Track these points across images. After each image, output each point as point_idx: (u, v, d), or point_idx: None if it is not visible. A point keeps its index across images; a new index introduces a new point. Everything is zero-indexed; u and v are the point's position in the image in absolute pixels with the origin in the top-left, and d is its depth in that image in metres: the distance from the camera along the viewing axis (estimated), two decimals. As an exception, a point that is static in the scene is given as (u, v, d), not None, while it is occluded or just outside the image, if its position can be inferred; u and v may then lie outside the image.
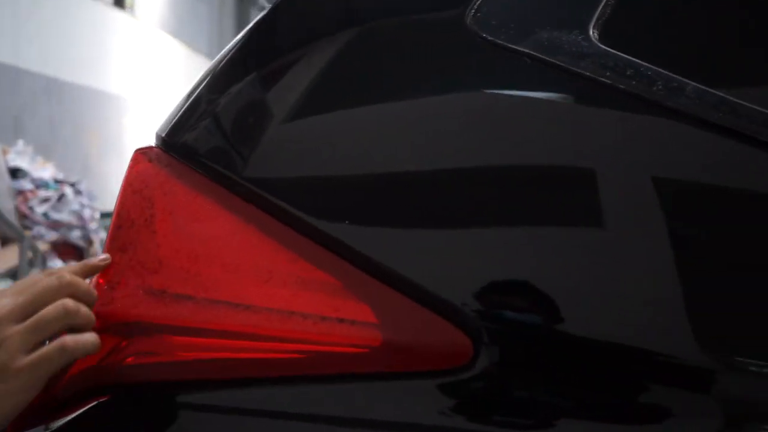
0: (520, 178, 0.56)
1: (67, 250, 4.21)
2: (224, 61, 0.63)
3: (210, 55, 7.56)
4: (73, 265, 0.59)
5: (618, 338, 0.52)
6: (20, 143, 4.49)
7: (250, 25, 0.65)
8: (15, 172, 4.19)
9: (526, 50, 0.57)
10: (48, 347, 0.54)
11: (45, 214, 4.11)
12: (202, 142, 0.60)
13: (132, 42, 5.69)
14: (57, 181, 4.24)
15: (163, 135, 0.63)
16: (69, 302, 0.55)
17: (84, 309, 0.55)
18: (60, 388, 0.57)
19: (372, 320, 0.54)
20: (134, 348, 0.57)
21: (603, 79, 0.56)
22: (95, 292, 0.57)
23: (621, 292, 0.52)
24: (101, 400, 0.57)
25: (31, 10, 4.63)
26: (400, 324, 0.54)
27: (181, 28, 6.78)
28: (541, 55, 0.57)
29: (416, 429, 0.52)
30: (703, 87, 0.55)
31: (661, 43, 0.58)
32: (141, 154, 0.63)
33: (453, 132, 0.56)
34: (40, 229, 4.10)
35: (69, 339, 0.54)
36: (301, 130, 0.58)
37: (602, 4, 0.58)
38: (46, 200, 4.23)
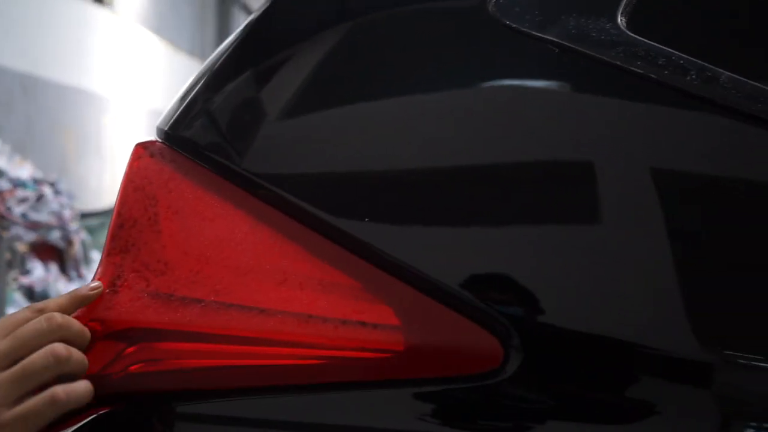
0: (549, 173, 0.53)
1: (47, 251, 4.11)
2: (236, 43, 0.59)
3: (192, 53, 7.45)
4: (61, 298, 0.54)
5: (652, 341, 0.49)
6: (-4, 142, 4.39)
7: (266, 5, 0.61)
8: (-9, 172, 4.08)
9: (553, 38, 0.54)
10: (36, 399, 0.49)
11: (23, 215, 4.02)
12: (211, 136, 0.57)
13: (112, 39, 5.59)
14: (35, 181, 4.14)
15: (166, 128, 0.59)
16: (60, 348, 0.50)
17: (76, 354, 0.50)
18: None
19: (395, 323, 0.51)
20: (138, 356, 0.53)
21: (634, 69, 0.53)
22: (88, 333, 0.52)
23: (661, 293, 0.49)
24: (102, 411, 0.54)
25: (7, 5, 4.52)
26: (425, 327, 0.50)
27: (163, 25, 6.67)
28: (568, 44, 0.54)
29: (443, 438, 0.49)
30: (738, 76, 0.52)
31: (692, 30, 0.56)
32: (142, 148, 0.59)
33: (479, 125, 0.53)
34: (19, 230, 4.00)
35: (60, 390, 0.49)
36: (320, 124, 0.55)
37: (630, -10, 0.55)
38: (24, 200, 4.13)
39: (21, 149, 4.65)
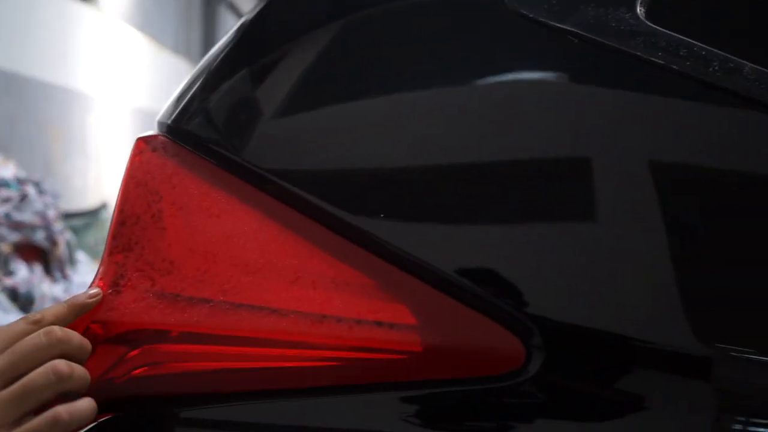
0: (567, 168, 0.51)
1: (31, 251, 4.05)
2: (245, 29, 0.57)
3: (177, 51, 7.37)
4: (58, 307, 0.51)
5: (675, 340, 0.48)
6: (-22, 141, 4.31)
7: None
8: (-27, 172, 4.01)
9: (571, 28, 0.53)
10: (38, 420, 0.46)
11: (7, 215, 3.95)
12: (217, 129, 0.54)
13: (97, 36, 5.51)
14: (19, 181, 4.08)
15: (169, 121, 0.57)
16: (60, 365, 0.47)
17: (78, 370, 0.48)
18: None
19: (412, 323, 0.49)
20: (143, 359, 0.51)
21: (655, 60, 0.52)
22: (89, 345, 0.50)
23: (689, 291, 0.48)
24: (104, 418, 0.51)
25: (-12, 2, 4.45)
26: (443, 327, 0.49)
27: (148, 23, 6.59)
28: (587, 34, 0.53)
29: (463, 441, 0.48)
30: (761, 68, 0.51)
31: (713, 20, 0.55)
32: (143, 143, 0.56)
33: (498, 118, 0.51)
34: (2, 231, 3.93)
35: (62, 410, 0.46)
36: (334, 116, 0.53)
37: (649, -21, 0.54)
38: (7, 200, 4.06)
39: (4, 148, 4.58)
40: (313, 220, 0.51)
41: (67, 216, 4.55)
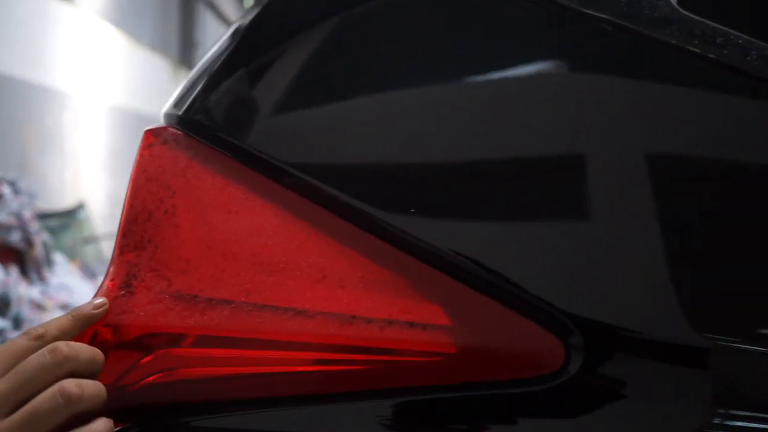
0: (603, 161, 0.49)
1: (6, 253, 3.94)
2: (265, 11, 0.53)
3: (154, 48, 7.26)
4: (62, 319, 0.47)
5: (715, 336, 0.46)
6: (-50, 140, 4.19)
7: None
8: (-55, 171, 3.90)
9: (604, 16, 0.51)
10: None
11: (-19, 215, 3.84)
12: (234, 120, 0.51)
13: (73, 33, 5.40)
14: (-6, 180, 3.97)
15: (180, 112, 0.53)
16: (69, 386, 0.43)
17: (89, 389, 0.44)
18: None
19: (446, 323, 0.47)
20: (158, 364, 0.48)
21: (691, 48, 0.50)
22: (101, 357, 0.46)
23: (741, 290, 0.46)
24: (116, 429, 0.48)
25: (-40, -3, 4.33)
26: (478, 327, 0.46)
27: (125, 19, 6.48)
28: (621, 22, 0.51)
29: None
30: (799, 57, 0.50)
31: (749, 8, 0.53)
32: (152, 135, 0.53)
33: (532, 110, 0.49)
34: (-24, 231, 3.82)
35: None
36: (360, 106, 0.50)
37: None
38: (-19, 200, 3.95)
39: (-23, 147, 4.46)
40: (338, 216, 0.48)
41: (44, 216, 4.44)
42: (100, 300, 0.48)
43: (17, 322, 3.32)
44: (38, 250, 4.15)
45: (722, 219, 0.47)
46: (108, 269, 0.50)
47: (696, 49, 0.50)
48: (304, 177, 0.49)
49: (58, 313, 3.57)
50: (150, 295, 0.48)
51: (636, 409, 0.46)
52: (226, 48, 0.54)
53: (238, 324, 0.47)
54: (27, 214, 4.11)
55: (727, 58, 0.50)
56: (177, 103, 0.55)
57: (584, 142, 0.49)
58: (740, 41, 0.50)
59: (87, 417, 0.45)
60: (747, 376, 0.45)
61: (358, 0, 0.52)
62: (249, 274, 0.48)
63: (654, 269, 0.46)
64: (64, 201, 5.10)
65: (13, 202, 3.99)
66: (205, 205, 0.50)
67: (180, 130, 0.53)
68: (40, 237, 4.20)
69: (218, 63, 0.53)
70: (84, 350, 0.46)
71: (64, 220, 4.84)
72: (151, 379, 0.48)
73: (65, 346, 0.45)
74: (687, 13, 0.52)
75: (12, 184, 4.03)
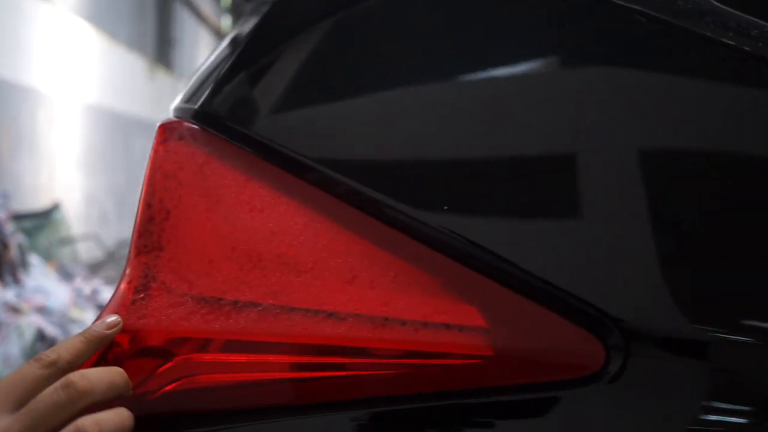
0: (639, 154, 0.48)
1: (-20, 255, 3.83)
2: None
3: (130, 46, 7.14)
4: (74, 341, 0.44)
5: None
6: None
7: None
8: None
9: (638, 7, 0.50)
10: None
11: (-47, 217, 3.74)
12: (256, 115, 0.49)
13: (47, 30, 5.28)
14: (-34, 180, 3.86)
15: (196, 106, 0.51)
16: (87, 425, 0.41)
17: (108, 424, 0.41)
18: None
19: (482, 325, 0.45)
20: (180, 371, 0.45)
21: (726, 41, 0.49)
22: (120, 378, 0.43)
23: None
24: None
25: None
26: (515, 328, 0.45)
27: (100, 17, 6.36)
28: (655, 13, 0.49)
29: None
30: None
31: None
32: (168, 130, 0.51)
33: (568, 105, 0.47)
34: (-52, 233, 3.72)
35: None
36: (393, 98, 0.48)
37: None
38: (-47, 201, 3.84)
39: (-52, 147, 4.34)
40: (368, 214, 0.46)
41: (18, 217, 4.34)
42: (113, 318, 0.45)
43: (-7, 326, 3.23)
44: (13, 252, 4.05)
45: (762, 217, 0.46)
46: (124, 271, 0.47)
47: (730, 42, 0.49)
48: (330, 173, 0.47)
49: (34, 317, 3.49)
50: (171, 298, 0.45)
51: (676, 408, 0.45)
52: (245, 37, 0.51)
53: (266, 327, 0.44)
54: (1, 215, 4.01)
55: (762, 51, 0.49)
56: (191, 97, 0.53)
57: (622, 137, 0.48)
58: (775, 34, 0.49)
59: None
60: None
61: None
62: (275, 275, 0.45)
63: (695, 269, 0.45)
64: (38, 201, 4.99)
65: (-14, 204, 3.88)
66: (227, 203, 0.47)
67: (196, 125, 0.50)
68: (15, 239, 4.10)
69: (236, 53, 0.51)
70: (101, 380, 0.42)
71: (39, 221, 4.73)
72: (172, 386, 0.45)
73: (80, 379, 0.42)
74: (721, 5, 0.51)
75: (-15, 185, 3.93)
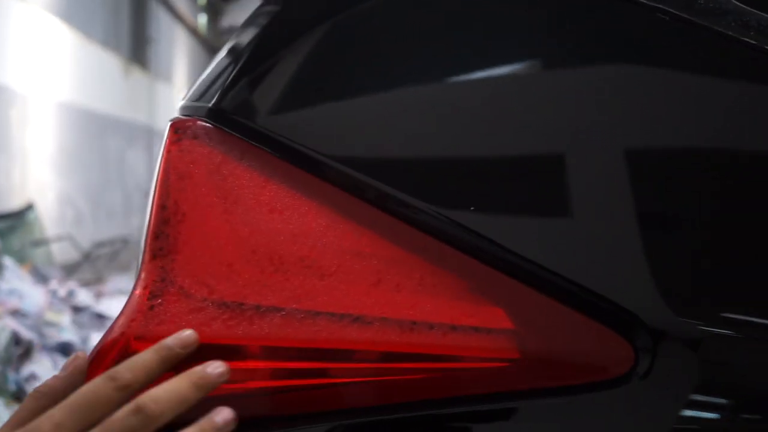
0: (665, 154, 0.48)
1: (-48, 257, 3.73)
2: None
3: (106, 44, 7.02)
4: (147, 358, 0.42)
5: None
6: None
7: None
8: None
9: (659, 5, 0.49)
10: None
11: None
12: (275, 113, 0.47)
13: (20, 28, 5.17)
14: (-63, 181, 3.75)
15: (210, 104, 0.49)
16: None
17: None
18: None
19: (511, 327, 0.44)
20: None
21: (747, 40, 0.49)
22: (192, 393, 0.41)
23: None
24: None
25: None
26: (544, 330, 0.44)
27: (74, 15, 6.25)
28: (676, 12, 0.49)
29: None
30: None
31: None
32: (180, 129, 0.49)
33: (598, 104, 0.47)
34: None
35: None
36: (417, 95, 0.46)
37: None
38: None
39: None
40: (391, 215, 0.45)
41: (-9, 218, 4.24)
42: (188, 333, 0.43)
43: (-34, 331, 3.15)
44: (-13, 255, 3.95)
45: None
46: (138, 276, 0.46)
47: (752, 40, 0.49)
48: (353, 173, 0.45)
49: (8, 320, 3.40)
50: (190, 303, 0.44)
51: (706, 408, 0.45)
52: (260, 31, 0.49)
53: (291, 333, 0.43)
54: (-26, 216, 3.90)
55: (784, 50, 0.49)
56: (203, 94, 0.51)
57: (646, 135, 0.47)
58: (795, 33, 0.49)
59: None
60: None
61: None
62: (298, 279, 0.44)
63: (723, 268, 0.45)
64: (11, 202, 4.87)
65: (-42, 204, 3.78)
66: (245, 204, 0.46)
67: (210, 123, 0.49)
68: (-11, 240, 4.01)
69: (253, 46, 0.49)
70: (170, 400, 0.41)
71: (12, 222, 4.62)
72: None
73: (151, 403, 0.40)
74: (742, 5, 0.51)
75: (-43, 185, 3.83)
